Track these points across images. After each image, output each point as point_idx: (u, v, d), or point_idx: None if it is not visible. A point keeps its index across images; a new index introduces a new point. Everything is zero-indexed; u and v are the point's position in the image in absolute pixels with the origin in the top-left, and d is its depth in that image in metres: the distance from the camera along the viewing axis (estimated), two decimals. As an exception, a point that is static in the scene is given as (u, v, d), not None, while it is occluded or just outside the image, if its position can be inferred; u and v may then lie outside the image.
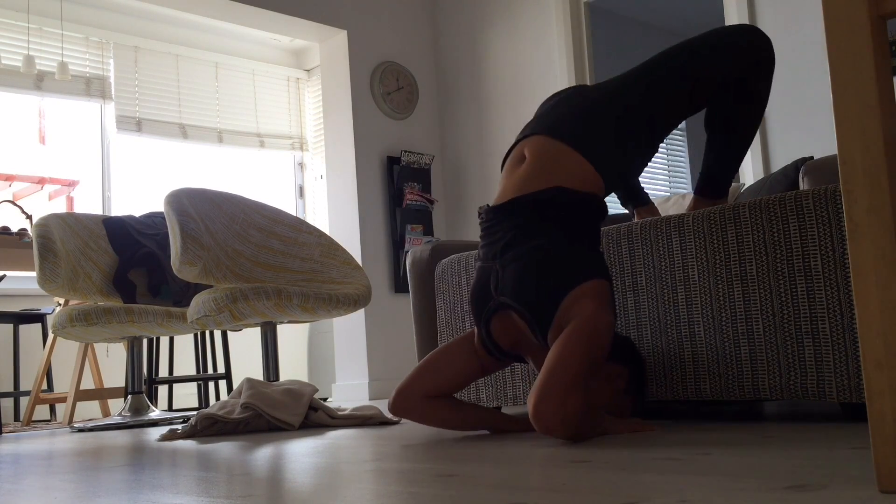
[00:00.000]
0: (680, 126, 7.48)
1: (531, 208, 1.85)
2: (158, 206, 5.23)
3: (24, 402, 4.98)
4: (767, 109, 4.28)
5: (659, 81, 1.95)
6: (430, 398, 1.96)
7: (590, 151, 1.88)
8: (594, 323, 1.68)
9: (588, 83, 5.22)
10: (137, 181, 5.90)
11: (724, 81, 1.95)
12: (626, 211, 2.43)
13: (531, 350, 1.90)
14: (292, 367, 6.26)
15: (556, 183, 1.85)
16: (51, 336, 4.49)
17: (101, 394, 4.57)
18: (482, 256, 1.93)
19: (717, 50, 1.94)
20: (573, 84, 4.37)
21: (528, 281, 1.80)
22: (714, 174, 2.11)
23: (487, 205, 1.97)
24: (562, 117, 1.97)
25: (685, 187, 7.28)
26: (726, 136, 2.06)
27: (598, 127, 1.93)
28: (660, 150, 8.34)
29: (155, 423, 3.69)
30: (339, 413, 2.83)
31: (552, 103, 2.08)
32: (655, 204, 3.25)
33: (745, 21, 4.33)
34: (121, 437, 2.91)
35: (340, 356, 5.54)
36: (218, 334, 5.47)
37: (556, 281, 1.77)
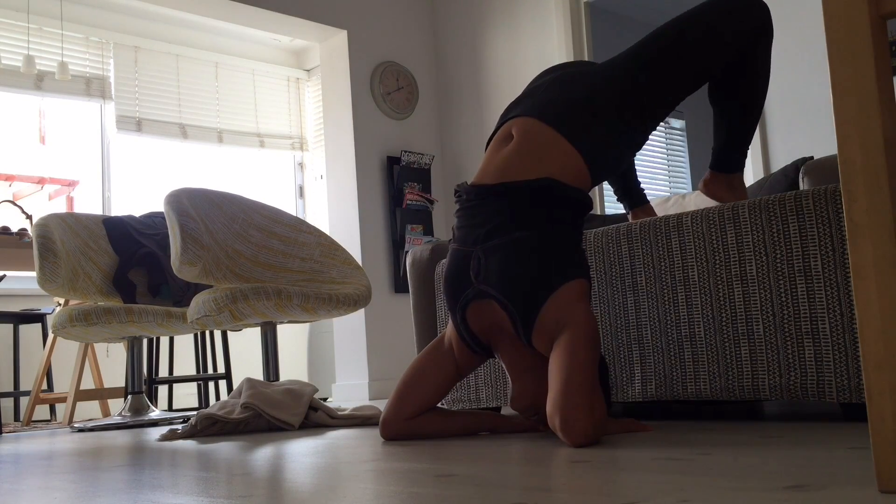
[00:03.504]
0: (679, 126, 7.48)
1: (519, 197, 1.79)
2: (158, 206, 5.23)
3: (24, 402, 4.98)
4: (767, 109, 4.28)
5: (656, 61, 1.88)
6: (416, 418, 1.94)
7: (580, 142, 1.83)
8: (590, 327, 1.67)
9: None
10: (137, 181, 5.90)
11: (724, 55, 1.88)
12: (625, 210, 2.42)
13: (502, 342, 1.85)
14: (292, 367, 6.26)
15: (547, 173, 1.79)
16: (51, 336, 4.49)
17: (101, 394, 4.57)
18: (459, 238, 1.86)
19: (708, 30, 1.87)
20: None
21: (514, 273, 1.75)
22: (725, 146, 2.05)
23: (466, 182, 1.90)
24: (554, 101, 1.90)
25: (685, 187, 7.28)
26: (732, 108, 2.00)
27: (590, 116, 1.86)
28: (660, 150, 8.22)
29: (155, 423, 3.69)
30: (339, 413, 2.83)
31: (545, 82, 2.00)
32: (656, 204, 3.25)
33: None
34: (121, 437, 2.91)
35: (340, 356, 5.54)
36: (218, 334, 5.47)
37: (544, 276, 1.73)
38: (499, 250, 1.78)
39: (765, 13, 1.90)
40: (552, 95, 1.93)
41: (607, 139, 1.88)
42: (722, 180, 2.11)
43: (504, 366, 1.88)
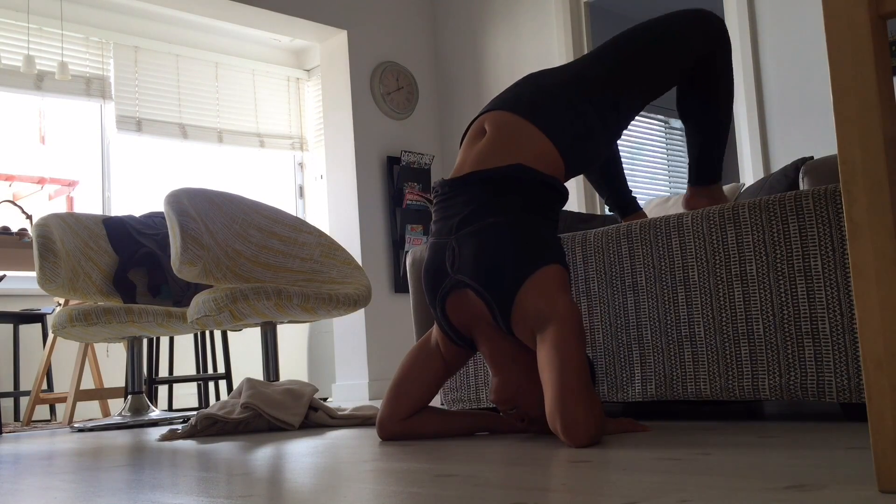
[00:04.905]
0: (680, 126, 7.48)
1: (490, 184, 1.78)
2: (158, 206, 5.24)
3: (24, 402, 4.99)
4: (767, 109, 4.28)
5: (620, 63, 1.94)
6: (413, 418, 1.94)
7: (554, 131, 1.83)
8: (575, 320, 1.65)
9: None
10: (137, 181, 5.90)
11: (684, 64, 1.97)
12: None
13: (482, 333, 1.83)
14: (292, 367, 6.26)
15: (518, 160, 1.79)
16: (51, 336, 4.49)
17: (101, 394, 4.58)
18: (436, 232, 1.86)
19: (673, 32, 1.96)
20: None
21: (486, 260, 1.74)
22: (700, 159, 2.12)
23: (442, 178, 1.90)
24: (525, 93, 1.92)
25: (685, 187, 7.28)
26: (700, 121, 2.08)
27: (562, 105, 1.88)
28: (660, 150, 8.21)
29: (155, 423, 3.69)
30: (339, 413, 2.83)
31: (515, 82, 2.04)
32: (656, 204, 3.25)
33: (746, 21, 4.33)
34: (121, 437, 2.91)
35: (340, 356, 5.54)
36: (218, 334, 5.48)
37: (517, 262, 1.72)
38: (472, 237, 1.77)
39: (719, 24, 2.00)
40: (523, 89, 1.95)
41: (581, 128, 1.88)
42: (703, 193, 2.17)
43: (484, 357, 1.86)
